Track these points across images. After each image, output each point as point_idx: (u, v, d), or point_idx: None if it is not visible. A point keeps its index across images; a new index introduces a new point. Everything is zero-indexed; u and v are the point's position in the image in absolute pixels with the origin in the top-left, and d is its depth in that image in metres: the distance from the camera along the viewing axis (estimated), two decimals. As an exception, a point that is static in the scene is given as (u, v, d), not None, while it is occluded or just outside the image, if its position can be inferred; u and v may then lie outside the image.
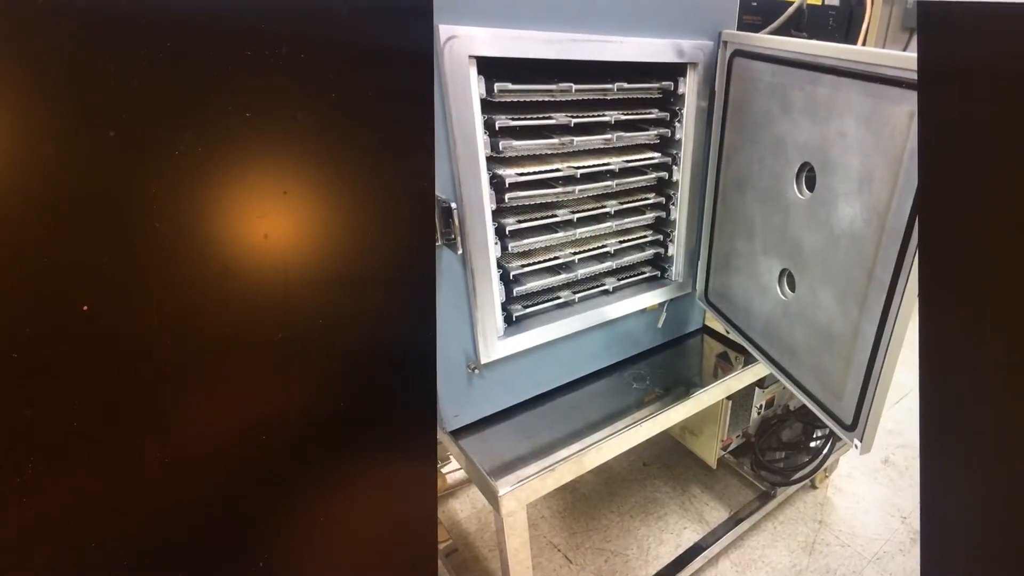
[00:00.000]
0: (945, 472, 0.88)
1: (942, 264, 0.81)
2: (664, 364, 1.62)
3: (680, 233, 1.52)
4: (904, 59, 0.93)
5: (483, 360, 1.27)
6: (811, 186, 1.15)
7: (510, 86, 1.10)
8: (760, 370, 1.65)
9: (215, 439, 0.78)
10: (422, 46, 0.82)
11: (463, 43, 0.99)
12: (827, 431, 2.16)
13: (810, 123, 1.11)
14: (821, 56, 1.06)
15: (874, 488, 2.46)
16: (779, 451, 2.18)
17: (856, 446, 1.15)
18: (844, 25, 1.91)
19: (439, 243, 1.11)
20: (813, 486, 2.44)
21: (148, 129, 0.65)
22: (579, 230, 1.33)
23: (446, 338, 1.21)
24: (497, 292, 1.24)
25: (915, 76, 0.91)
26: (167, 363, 0.72)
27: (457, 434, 1.33)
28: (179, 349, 0.72)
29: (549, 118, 1.19)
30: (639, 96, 1.32)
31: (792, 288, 1.25)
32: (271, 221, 0.75)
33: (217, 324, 0.75)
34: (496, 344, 1.27)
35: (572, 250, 1.37)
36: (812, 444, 2.19)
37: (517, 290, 1.29)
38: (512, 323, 1.32)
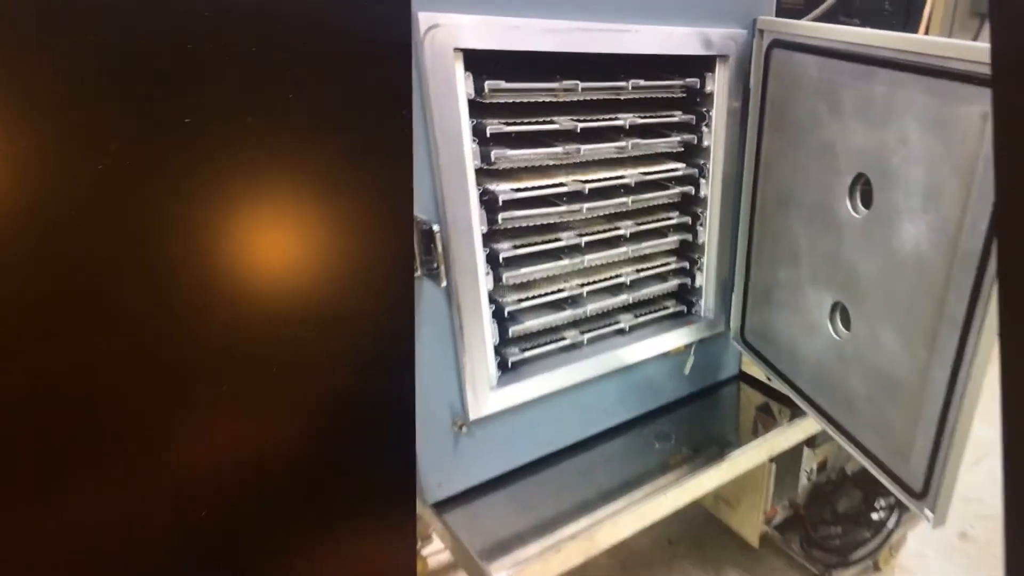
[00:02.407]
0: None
1: (1027, 295, 0.81)
2: (692, 419, 1.61)
3: (710, 260, 1.52)
4: (974, 50, 0.93)
5: (472, 416, 1.26)
6: (867, 202, 1.15)
7: (504, 84, 1.10)
8: (810, 426, 1.64)
9: (143, 509, 0.78)
10: (398, 37, 0.82)
11: (447, 33, 1.00)
12: (892, 500, 2.14)
13: (865, 127, 1.11)
14: (876, 47, 1.07)
15: (949, 569, 2.44)
16: (834, 525, 2.16)
17: (927, 518, 1.13)
18: (903, 10, 1.92)
19: (418, 274, 1.11)
20: (876, 568, 2.42)
21: (61, 138, 0.65)
22: (588, 257, 1.33)
23: (427, 389, 1.21)
24: (489, 333, 1.23)
25: (988, 70, 0.91)
26: (100, 418, 0.72)
27: (441, 507, 1.32)
28: (106, 407, 0.72)
29: (551, 122, 1.20)
30: (659, 96, 1.33)
31: (847, 325, 1.25)
32: (210, 248, 0.75)
33: (145, 375, 0.74)
34: (488, 396, 1.26)
35: (579, 281, 1.37)
36: (874, 516, 2.16)
37: (513, 330, 1.29)
38: (507, 370, 1.31)
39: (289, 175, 0.79)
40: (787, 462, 1.89)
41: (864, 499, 2.17)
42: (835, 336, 1.28)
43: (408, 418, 1.01)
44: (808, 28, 1.21)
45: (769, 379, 1.53)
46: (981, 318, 0.99)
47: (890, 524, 2.15)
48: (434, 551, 2.41)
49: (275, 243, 0.80)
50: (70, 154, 0.66)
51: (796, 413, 1.62)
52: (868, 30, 1.09)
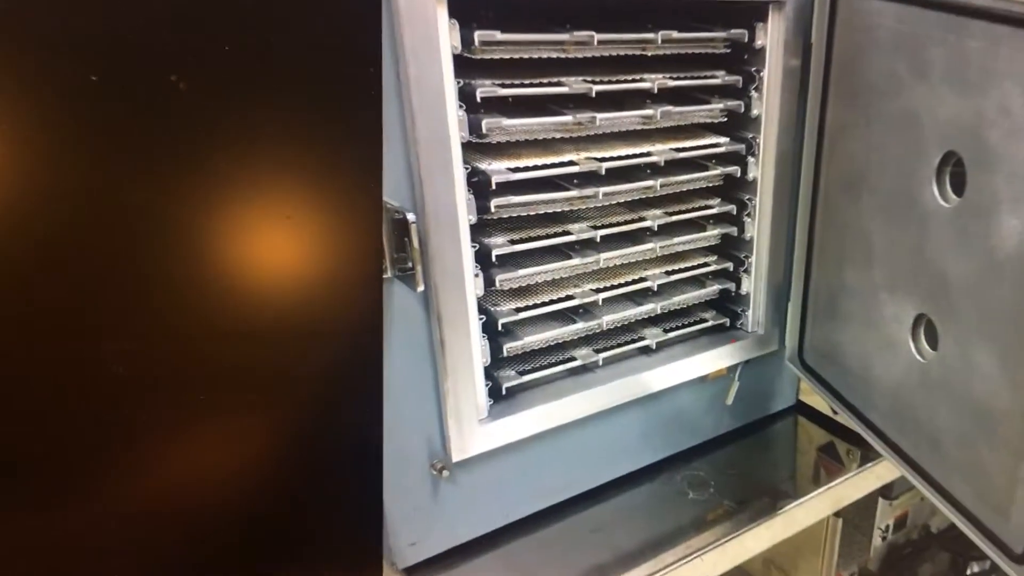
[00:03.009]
0: None
1: None
2: (736, 462, 1.61)
3: (760, 260, 1.52)
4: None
5: (456, 456, 1.25)
6: (959, 188, 1.14)
7: (499, 36, 1.10)
8: (885, 471, 1.64)
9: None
10: None
11: (428, -30, 1.00)
12: (987, 565, 2.14)
13: (956, 93, 1.11)
14: (968, -8, 1.07)
15: (1063, 655, 2.43)
16: (915, 597, 2.16)
17: (1033, 588, 1.12)
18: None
19: (388, 275, 1.10)
20: (968, 651, 2.42)
21: None
22: (604, 255, 1.33)
23: (398, 422, 1.20)
24: (478, 350, 1.23)
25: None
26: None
27: (415, 572, 1.32)
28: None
29: (559, 84, 1.20)
30: (696, 52, 1.33)
31: (933, 344, 1.25)
32: (118, 227, 0.76)
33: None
34: (476, 432, 1.26)
35: (593, 286, 1.37)
36: (966, 586, 2.16)
37: (509, 347, 1.29)
38: (501, 398, 1.31)
39: (224, 150, 0.79)
40: (856, 517, 1.89)
41: (953, 564, 2.17)
42: (918, 357, 1.28)
43: (374, 460, 1.02)
44: None
45: (834, 412, 1.53)
46: (1103, 336, 0.99)
47: (986, 596, 2.14)
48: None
49: (200, 235, 0.80)
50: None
51: (868, 455, 1.62)
52: None
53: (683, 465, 1.59)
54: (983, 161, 1.09)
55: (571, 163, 1.24)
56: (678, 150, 1.35)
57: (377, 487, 1.05)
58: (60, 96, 0.70)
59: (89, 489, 0.81)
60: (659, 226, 1.39)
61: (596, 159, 1.26)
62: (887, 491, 1.87)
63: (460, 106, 1.10)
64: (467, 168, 1.14)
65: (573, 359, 1.39)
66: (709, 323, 1.55)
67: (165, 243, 0.78)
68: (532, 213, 1.24)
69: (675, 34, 1.27)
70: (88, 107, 0.72)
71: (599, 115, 1.24)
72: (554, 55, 1.18)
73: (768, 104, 1.40)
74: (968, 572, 2.17)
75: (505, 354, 1.29)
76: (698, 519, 1.45)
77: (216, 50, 0.76)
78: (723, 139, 1.41)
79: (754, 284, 1.54)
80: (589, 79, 1.22)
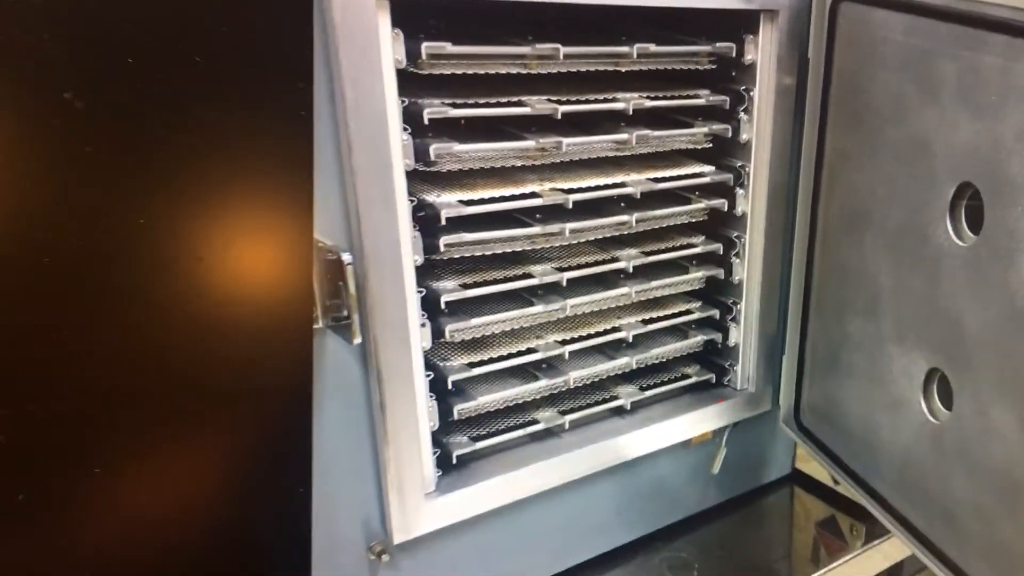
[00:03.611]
0: None
1: None
2: (724, 541, 1.61)
3: (750, 307, 1.53)
4: None
5: (398, 538, 1.24)
6: (976, 224, 1.15)
7: (449, 48, 1.10)
8: (894, 549, 1.63)
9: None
10: None
11: (366, -28, 1.00)
12: (1013, 657, 2.14)
13: (972, 116, 1.12)
14: (987, 2, 1.07)
15: None
16: None
17: None
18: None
19: (319, 326, 1.09)
20: None
21: None
22: (571, 301, 1.33)
23: (330, 499, 1.19)
24: (425, 413, 1.22)
25: None
26: None
27: (350, 676, 1.30)
28: None
29: (519, 104, 1.20)
30: (677, 67, 1.34)
31: (947, 403, 1.25)
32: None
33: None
34: (422, 508, 1.25)
35: (559, 337, 1.37)
36: None
37: (460, 408, 1.28)
38: (451, 469, 1.30)
39: (122, 177, 0.78)
40: (862, 603, 1.89)
41: (972, 656, 2.16)
42: (930, 418, 1.28)
43: (300, 543, 1.01)
44: None
45: (836, 481, 1.53)
46: None
47: None
48: None
49: (98, 281, 0.79)
50: None
51: (875, 531, 1.61)
52: None
53: (663, 545, 1.58)
54: (1002, 193, 1.10)
55: (533, 195, 1.23)
56: (656, 180, 1.35)
57: (304, 574, 1.04)
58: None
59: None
60: (635, 267, 1.39)
61: (562, 190, 1.25)
62: (897, 572, 1.86)
63: (404, 129, 1.10)
64: (412, 201, 1.13)
65: (535, 422, 1.38)
66: (692, 379, 1.55)
67: (46, 291, 0.77)
68: (488, 253, 1.23)
69: (653, 47, 1.28)
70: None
71: (565, 140, 1.24)
72: (514, 71, 1.18)
73: (759, 128, 1.41)
74: (989, 664, 2.16)
75: (456, 417, 1.28)
76: (680, 608, 1.44)
77: (116, 63, 0.75)
78: (708, 168, 1.42)
79: (743, 335, 1.55)
80: (554, 98, 1.22)
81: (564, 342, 1.37)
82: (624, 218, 1.34)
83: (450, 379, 1.26)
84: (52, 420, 0.79)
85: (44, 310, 0.76)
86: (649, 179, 1.34)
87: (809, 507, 1.70)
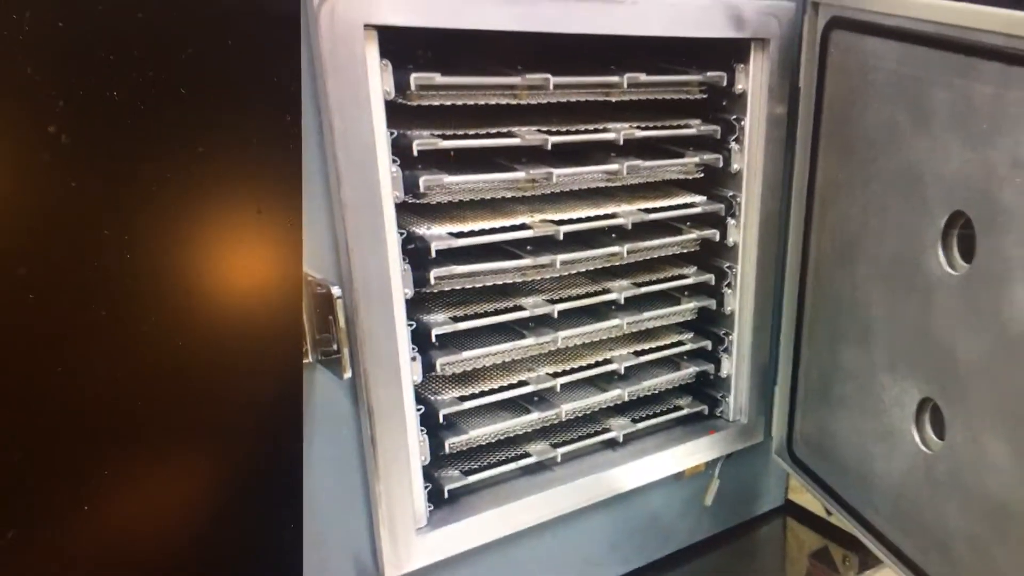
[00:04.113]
0: None
1: None
2: (718, 573, 1.61)
3: (742, 338, 1.53)
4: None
5: (390, 573, 1.23)
6: (968, 253, 1.15)
7: (438, 79, 1.10)
8: (889, 581, 1.62)
9: None
10: (280, 7, 0.83)
11: (355, 4, 0.99)
12: None
13: (964, 144, 1.12)
14: (980, 30, 1.07)
15: None
16: None
17: None
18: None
19: (309, 360, 1.09)
20: None
21: None
22: (563, 333, 1.33)
23: (321, 534, 1.18)
24: (416, 447, 1.21)
25: None
26: None
27: None
28: None
29: (509, 135, 1.20)
30: (668, 97, 1.34)
31: (940, 433, 1.25)
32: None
33: None
34: (413, 543, 1.24)
35: (550, 369, 1.36)
36: None
37: (452, 442, 1.27)
38: (443, 503, 1.29)
39: (109, 211, 0.77)
40: (856, 635, 1.88)
41: None
42: (923, 448, 1.28)
43: None
44: (883, 2, 1.22)
45: (828, 512, 1.52)
46: None
47: None
48: None
49: (87, 319, 0.78)
50: None
51: (868, 562, 1.60)
52: (969, 5, 1.10)
53: (656, 578, 1.57)
54: (995, 222, 1.10)
55: (524, 227, 1.23)
56: (647, 211, 1.35)
57: None
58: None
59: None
60: (626, 299, 1.38)
61: (553, 222, 1.25)
62: (891, 602, 1.86)
63: (394, 161, 1.10)
64: (402, 233, 1.13)
65: (527, 455, 1.38)
66: (684, 411, 1.55)
67: (43, 328, 0.76)
68: (479, 285, 1.23)
69: (643, 77, 1.28)
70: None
71: (556, 171, 1.24)
72: (504, 101, 1.18)
73: (750, 158, 1.41)
74: None
75: (447, 451, 1.27)
76: (675, 642, 1.43)
77: (100, 95, 0.74)
78: (699, 198, 1.42)
79: (736, 366, 1.54)
80: (544, 129, 1.22)
81: (556, 374, 1.36)
82: (615, 249, 1.33)
83: (441, 413, 1.25)
84: (36, 451, 0.79)
85: (30, 338, 0.75)
86: (640, 210, 1.34)
87: (802, 538, 1.70)
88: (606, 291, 1.36)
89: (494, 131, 1.18)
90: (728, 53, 1.35)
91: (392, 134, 1.09)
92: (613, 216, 1.31)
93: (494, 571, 1.38)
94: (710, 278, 1.48)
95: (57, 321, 0.77)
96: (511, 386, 1.32)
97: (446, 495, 1.29)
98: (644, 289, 1.41)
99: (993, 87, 1.07)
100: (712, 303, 1.50)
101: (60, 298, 0.77)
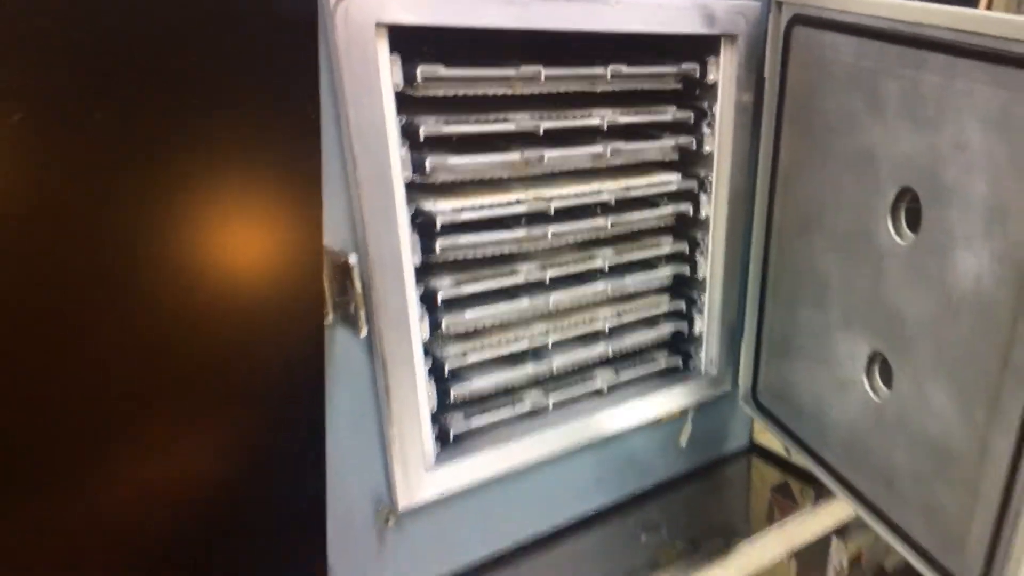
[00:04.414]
0: None
1: None
2: (690, 504, 1.61)
3: (713, 300, 1.52)
4: (1051, 31, 0.93)
5: (403, 504, 1.23)
6: (914, 225, 1.15)
7: (442, 71, 1.09)
8: (840, 510, 1.64)
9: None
10: (299, 7, 0.83)
11: (367, 3, 0.98)
12: (943, 602, 2.13)
13: (912, 129, 1.11)
14: (928, 25, 1.07)
15: None
16: (871, 635, 2.15)
17: (987, 627, 1.12)
18: (962, -20, 1.97)
19: (329, 321, 1.08)
20: None
21: None
22: (554, 296, 1.32)
23: (342, 472, 1.17)
24: (425, 396, 1.21)
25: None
26: None
27: (361, 625, 1.29)
28: None
29: (505, 121, 1.19)
30: (647, 87, 1.33)
31: (887, 382, 1.25)
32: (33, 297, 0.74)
33: None
34: (423, 479, 1.24)
35: (543, 328, 1.36)
36: (921, 623, 2.16)
37: (456, 392, 1.27)
38: (449, 444, 1.29)
39: (148, 192, 0.77)
40: (811, 557, 1.88)
41: (908, 601, 2.16)
42: (872, 396, 1.28)
43: (316, 511, 1.03)
44: (842, 0, 1.21)
45: (788, 452, 1.53)
46: (1057, 373, 0.99)
47: (941, 633, 2.13)
48: None
49: (129, 286, 0.78)
50: None
51: (822, 494, 1.61)
52: (918, 3, 1.09)
53: (636, 508, 1.58)
54: (938, 197, 1.10)
55: (519, 202, 1.23)
56: (629, 188, 1.34)
57: (320, 540, 1.04)
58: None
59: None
60: (610, 266, 1.38)
61: (545, 198, 1.25)
62: (842, 530, 1.86)
63: (403, 145, 1.09)
64: (411, 208, 1.13)
65: (523, 403, 1.38)
66: (662, 365, 1.55)
67: (88, 293, 0.76)
68: (479, 254, 1.23)
69: (625, 69, 1.27)
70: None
71: (547, 153, 1.23)
72: (501, 91, 1.18)
73: (721, 141, 1.40)
74: (923, 609, 2.16)
75: (452, 399, 1.27)
76: (651, 561, 1.44)
77: (139, 86, 0.74)
78: (675, 176, 1.41)
79: (707, 324, 1.54)
80: (537, 115, 1.22)
81: (547, 333, 1.36)
82: (600, 222, 1.33)
83: (447, 366, 1.26)
84: (83, 411, 0.79)
85: (72, 300, 0.75)
86: (622, 187, 1.33)
87: (765, 474, 1.70)
88: (592, 259, 1.36)
89: (492, 118, 1.17)
90: (701, 48, 1.34)
91: (401, 120, 1.08)
92: (598, 193, 1.31)
93: (493, 503, 1.38)
94: (684, 247, 1.48)
95: (100, 286, 0.77)
96: (508, 343, 1.33)
97: (451, 438, 1.29)
98: (626, 257, 1.40)
99: (940, 77, 1.06)
100: (686, 269, 1.50)
101: (99, 268, 0.77)
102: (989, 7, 1.96)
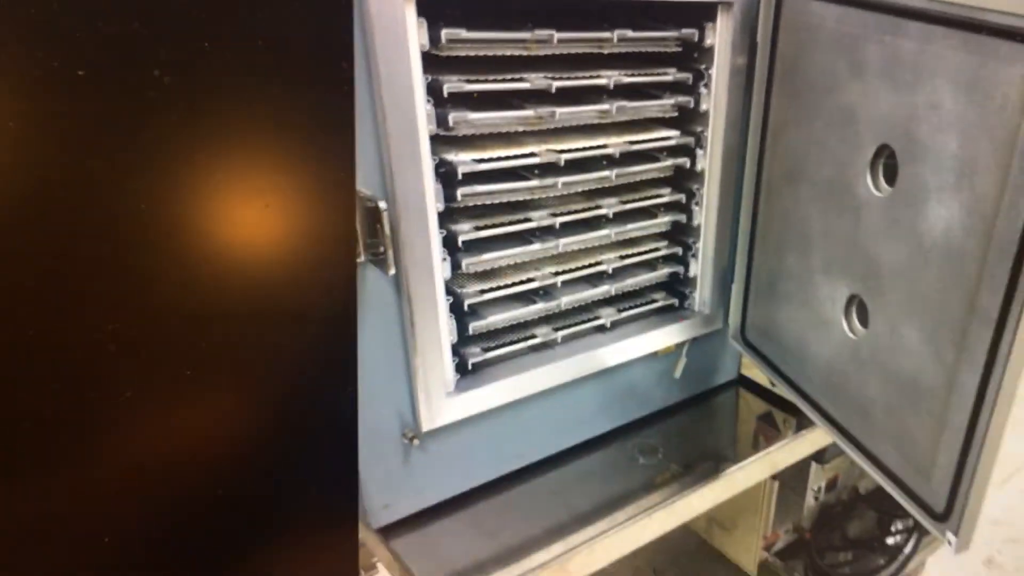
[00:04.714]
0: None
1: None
2: (683, 430, 1.61)
3: (706, 245, 1.52)
4: (1017, 1, 0.92)
5: (426, 426, 1.24)
6: (891, 178, 1.15)
7: (464, 34, 1.09)
8: (818, 438, 1.64)
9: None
10: None
11: (398, -29, 0.98)
12: (910, 523, 2.16)
13: (890, 90, 1.11)
14: (905, -6, 1.06)
15: (976, 601, 2.46)
16: (844, 551, 2.17)
17: (949, 542, 1.14)
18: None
19: (361, 260, 1.09)
20: (892, 599, 2.44)
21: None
22: (563, 240, 1.33)
23: (372, 396, 1.19)
24: (446, 329, 1.22)
25: (1034, 25, 0.91)
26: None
27: (388, 532, 1.31)
28: None
29: (521, 80, 1.18)
30: (649, 50, 1.32)
31: (864, 322, 1.25)
32: (105, 214, 0.75)
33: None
34: (444, 404, 1.25)
35: (553, 269, 1.36)
36: (889, 541, 2.18)
37: (474, 326, 1.28)
38: (467, 373, 1.30)
39: (206, 140, 0.77)
40: (791, 480, 1.90)
41: (879, 522, 2.19)
42: (850, 334, 1.29)
43: (350, 429, 1.02)
44: None
45: (772, 384, 1.54)
46: (1018, 314, 0.99)
47: (907, 549, 2.16)
48: (381, 583, 2.39)
49: (183, 224, 0.78)
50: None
51: (803, 423, 1.62)
52: None
53: (634, 433, 1.59)
54: (913, 153, 1.10)
55: (532, 155, 1.23)
56: (632, 143, 1.34)
57: (353, 456, 1.04)
58: (48, 89, 0.68)
59: (79, 460, 0.79)
60: (614, 214, 1.38)
61: (556, 151, 1.25)
62: (819, 456, 1.87)
63: (428, 101, 1.09)
64: (435, 159, 1.13)
65: (534, 337, 1.39)
66: (659, 304, 1.55)
67: (151, 230, 0.76)
68: (496, 202, 1.23)
69: (630, 33, 1.26)
70: (76, 100, 0.70)
71: (559, 110, 1.23)
72: (517, 52, 1.17)
73: (716, 100, 1.39)
74: (892, 529, 2.18)
75: (471, 332, 1.28)
76: (648, 482, 1.45)
77: (197, 47, 0.74)
78: (674, 133, 1.40)
79: (701, 268, 1.54)
80: (550, 75, 1.21)
81: (557, 273, 1.36)
82: (606, 173, 1.33)
83: (466, 303, 1.26)
84: (152, 332, 0.79)
85: (120, 239, 0.76)
86: (626, 142, 1.33)
87: (751, 404, 1.70)
88: (598, 207, 1.36)
89: (509, 77, 1.17)
90: (699, 13, 1.33)
91: (427, 79, 1.08)
92: (604, 147, 1.31)
93: (507, 426, 1.40)
94: (681, 197, 1.48)
95: (150, 224, 0.78)
96: (521, 282, 1.33)
97: (470, 367, 1.30)
98: (629, 206, 1.40)
99: (916, 42, 1.06)
100: (683, 217, 1.50)
101: (153, 207, 0.77)
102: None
